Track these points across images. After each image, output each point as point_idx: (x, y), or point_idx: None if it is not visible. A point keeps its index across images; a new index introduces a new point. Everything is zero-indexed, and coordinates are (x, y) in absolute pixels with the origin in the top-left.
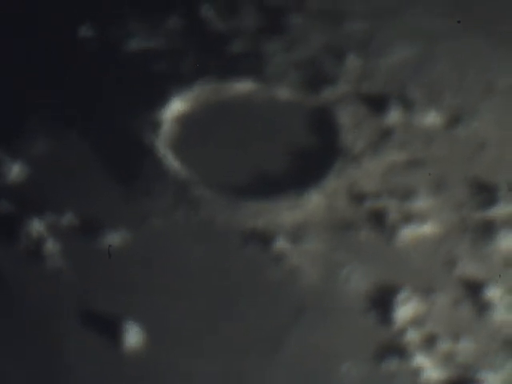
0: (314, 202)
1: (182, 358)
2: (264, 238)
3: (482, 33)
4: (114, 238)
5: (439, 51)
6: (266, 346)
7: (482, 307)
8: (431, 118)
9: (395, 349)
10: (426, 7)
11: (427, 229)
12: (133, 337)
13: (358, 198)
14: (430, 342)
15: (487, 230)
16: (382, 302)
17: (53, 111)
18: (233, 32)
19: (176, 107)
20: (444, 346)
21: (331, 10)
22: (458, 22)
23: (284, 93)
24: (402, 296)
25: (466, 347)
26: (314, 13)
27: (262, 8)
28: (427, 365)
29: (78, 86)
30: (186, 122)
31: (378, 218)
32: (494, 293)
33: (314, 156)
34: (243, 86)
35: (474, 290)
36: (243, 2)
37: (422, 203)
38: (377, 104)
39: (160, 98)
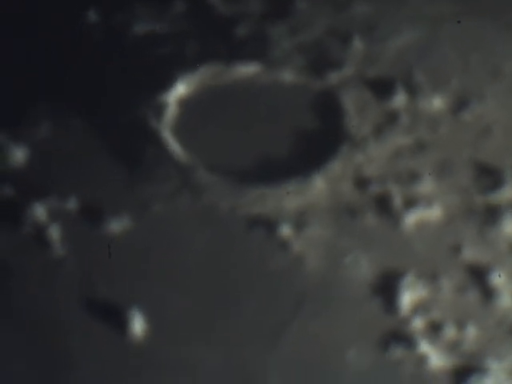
0: (318, 186)
1: (185, 346)
2: (268, 224)
3: (487, 17)
4: (117, 224)
5: (445, 35)
6: (270, 334)
7: (488, 294)
8: (436, 102)
9: (400, 336)
10: None
11: (432, 213)
12: (137, 325)
13: (362, 182)
14: (435, 329)
15: (492, 215)
16: (387, 288)
17: (56, 97)
18: (238, 15)
19: (180, 91)
20: (449, 333)
21: None
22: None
23: (288, 76)
24: (406, 282)
25: (471, 335)
26: None
27: None
28: (432, 352)
29: (81, 72)
30: (190, 105)
31: (382, 203)
32: (499, 279)
33: (319, 140)
34: (248, 70)
35: (479, 275)
36: None
37: (427, 188)
38: (382, 88)
39: (164, 82)
